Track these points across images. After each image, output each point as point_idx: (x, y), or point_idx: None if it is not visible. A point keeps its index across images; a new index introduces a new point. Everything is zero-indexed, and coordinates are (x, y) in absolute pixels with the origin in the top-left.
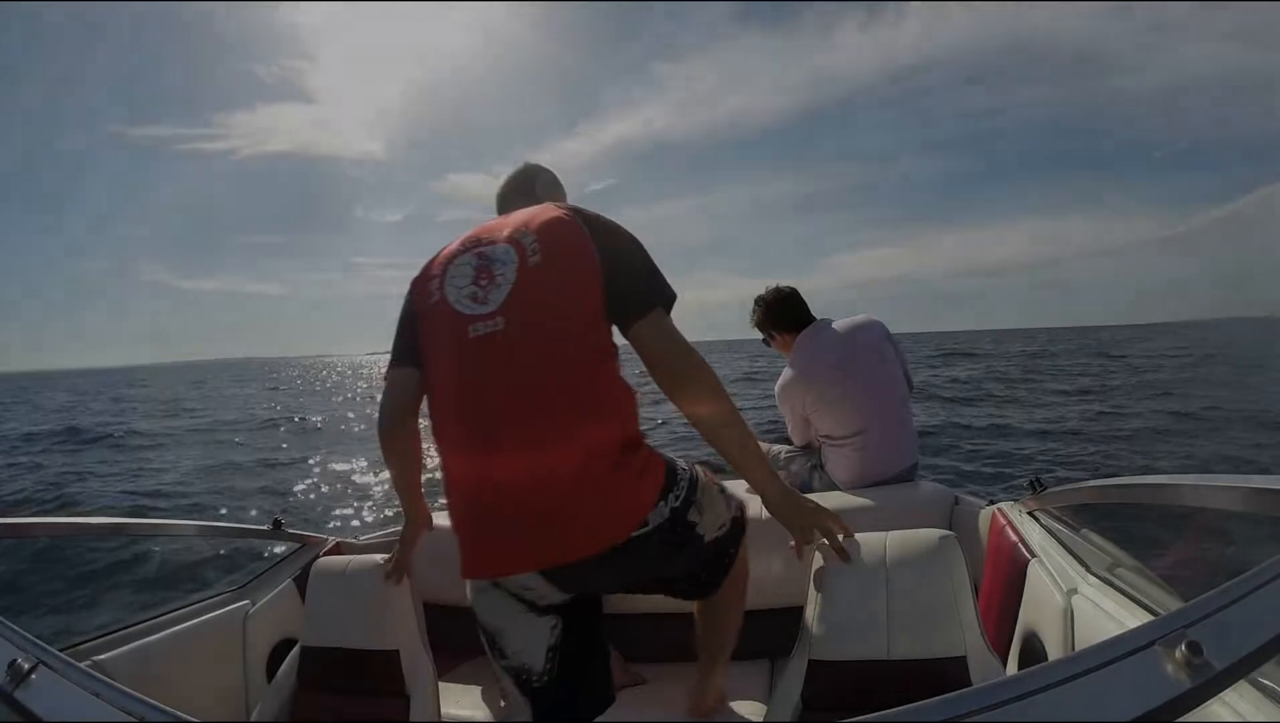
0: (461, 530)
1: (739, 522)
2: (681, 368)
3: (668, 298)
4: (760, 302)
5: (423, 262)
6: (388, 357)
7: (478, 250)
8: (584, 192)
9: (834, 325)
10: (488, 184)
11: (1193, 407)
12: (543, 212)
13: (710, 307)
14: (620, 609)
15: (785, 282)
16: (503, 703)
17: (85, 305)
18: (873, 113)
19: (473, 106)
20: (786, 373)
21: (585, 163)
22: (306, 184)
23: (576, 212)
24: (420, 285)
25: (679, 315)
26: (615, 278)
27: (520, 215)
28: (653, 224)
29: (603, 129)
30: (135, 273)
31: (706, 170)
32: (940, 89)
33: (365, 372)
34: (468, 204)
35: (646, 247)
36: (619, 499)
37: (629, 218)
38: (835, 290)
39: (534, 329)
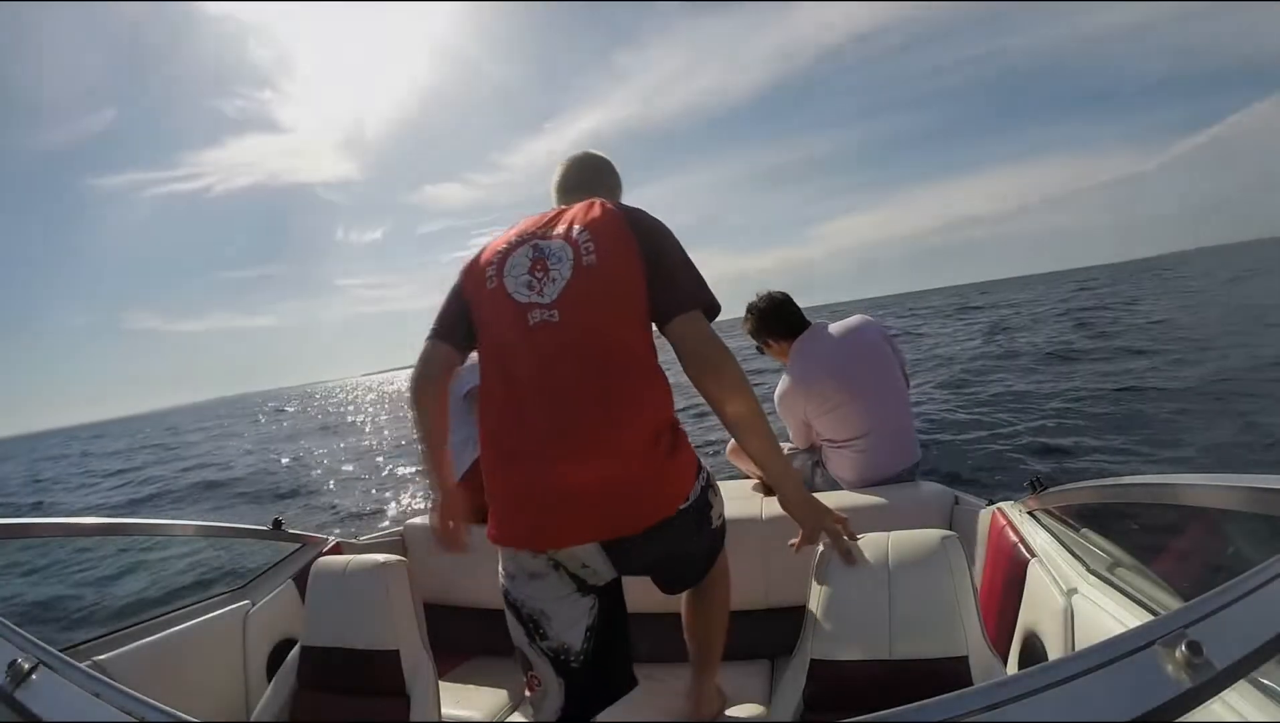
0: (516, 507)
1: (724, 523)
2: (719, 366)
3: (708, 304)
4: (753, 310)
5: (406, 276)
6: (384, 375)
7: (534, 243)
8: None
9: (829, 329)
10: (462, 192)
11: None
12: (593, 210)
13: None
14: None
15: (779, 252)
16: (528, 693)
17: (77, 361)
18: (842, 78)
19: (440, 118)
20: (784, 382)
21: (558, 159)
22: (284, 213)
23: (625, 212)
24: (474, 270)
25: None
26: (657, 278)
27: (573, 212)
28: None
29: (571, 124)
30: (123, 323)
31: (681, 153)
32: (906, 47)
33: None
34: (445, 214)
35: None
36: (670, 478)
37: None
38: (828, 259)
39: (587, 323)
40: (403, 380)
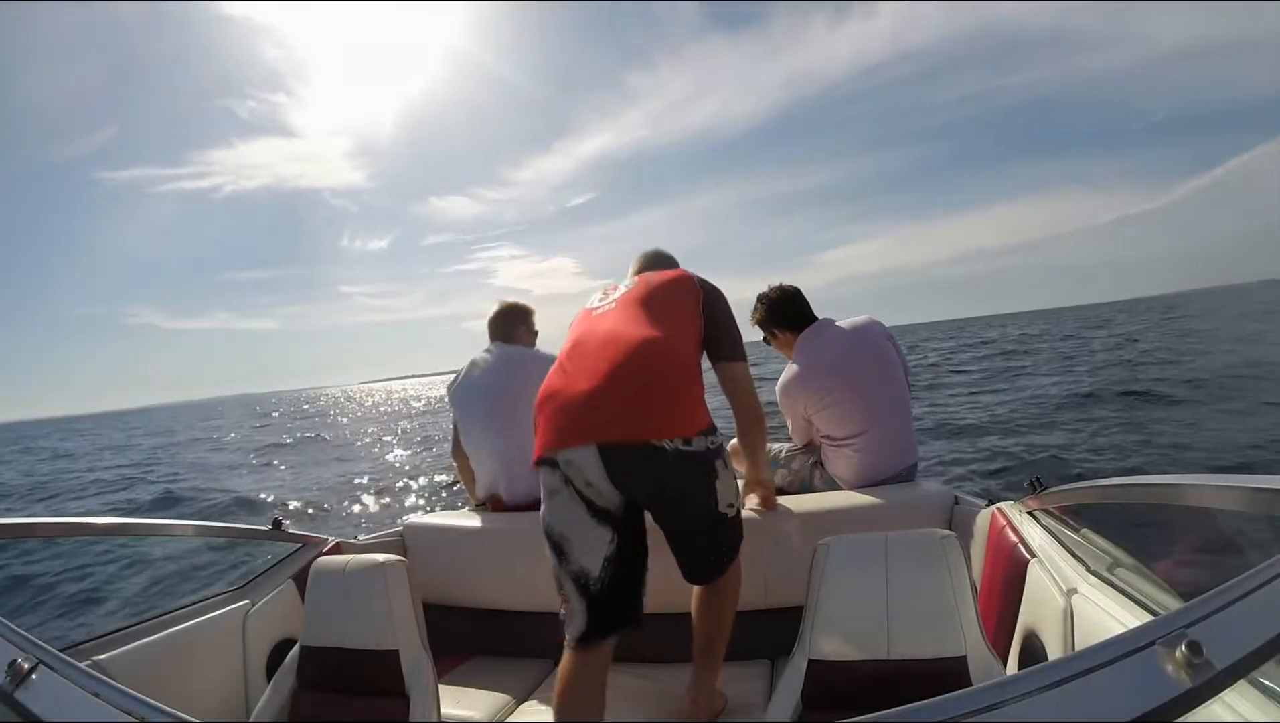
0: (548, 425)
1: (740, 520)
2: (748, 405)
3: (744, 356)
4: (763, 299)
5: (410, 286)
6: (379, 384)
7: (611, 286)
8: (565, 206)
9: (835, 325)
10: (468, 206)
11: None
12: (672, 269)
13: None
14: None
15: (781, 279)
16: (561, 611)
17: (76, 352)
18: (849, 108)
19: (451, 132)
20: (788, 372)
21: (565, 179)
22: (291, 217)
23: (694, 276)
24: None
25: None
26: (713, 325)
27: (650, 273)
28: (635, 233)
29: (580, 144)
30: (124, 317)
31: (687, 177)
32: (914, 81)
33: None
34: (450, 227)
35: (629, 256)
36: (679, 412)
37: (610, 230)
38: (828, 287)
39: (633, 306)
40: (401, 390)
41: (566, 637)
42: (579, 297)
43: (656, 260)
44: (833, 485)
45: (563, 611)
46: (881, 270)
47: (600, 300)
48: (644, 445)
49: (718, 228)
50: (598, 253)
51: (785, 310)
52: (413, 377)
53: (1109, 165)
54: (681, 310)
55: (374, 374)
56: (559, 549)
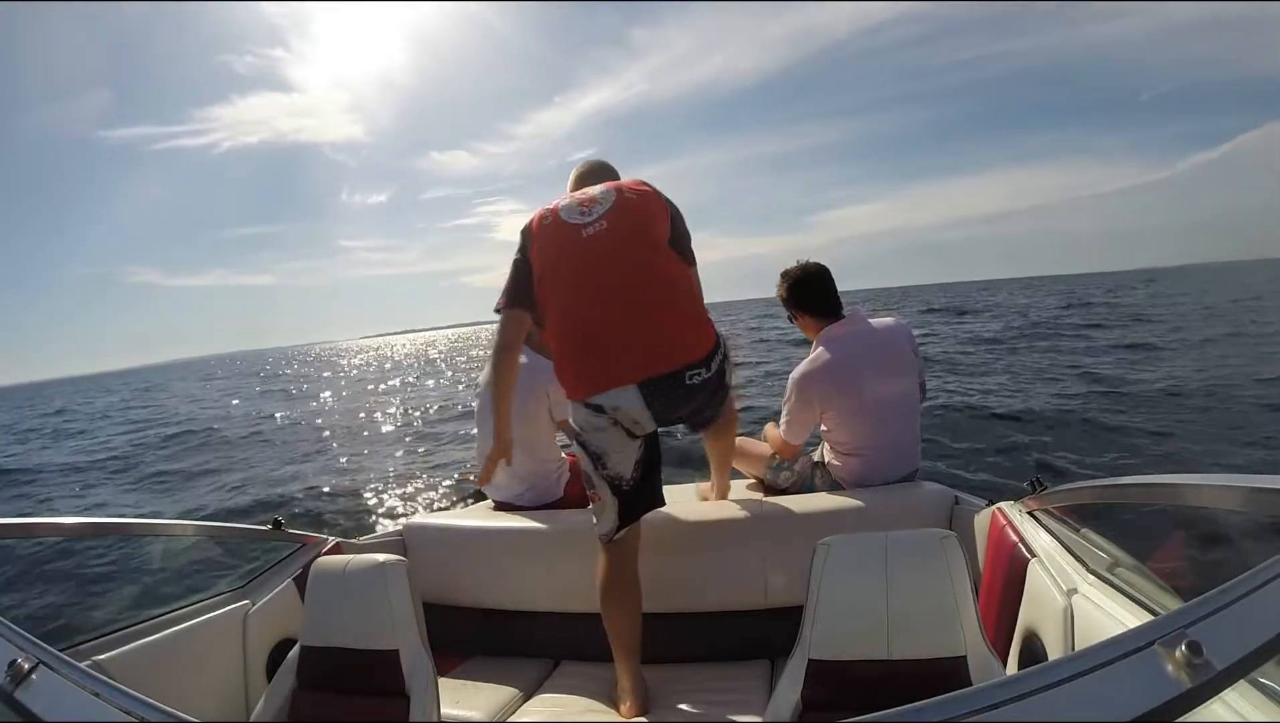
0: (584, 366)
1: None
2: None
3: (694, 261)
4: (786, 276)
5: (409, 241)
6: (382, 338)
7: (579, 197)
8: (566, 160)
9: (861, 329)
10: (468, 160)
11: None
12: (634, 181)
13: (701, 268)
14: None
15: (779, 239)
16: (591, 507)
17: (75, 314)
18: (852, 67)
19: (450, 84)
20: (806, 365)
21: (566, 133)
22: (290, 172)
23: (656, 189)
24: (536, 223)
25: None
26: (678, 237)
27: (611, 182)
28: None
29: (582, 98)
30: (123, 276)
31: (689, 134)
32: (919, 41)
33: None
34: (450, 181)
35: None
36: (695, 335)
37: None
38: (829, 246)
39: (627, 230)
40: (399, 344)
41: (599, 536)
42: None
43: (602, 171)
44: (834, 486)
45: (591, 505)
46: (880, 232)
47: (583, 216)
48: (677, 379)
49: (717, 186)
50: None
51: (808, 292)
52: (413, 331)
53: (1114, 135)
54: (661, 226)
55: (374, 329)
56: (597, 459)
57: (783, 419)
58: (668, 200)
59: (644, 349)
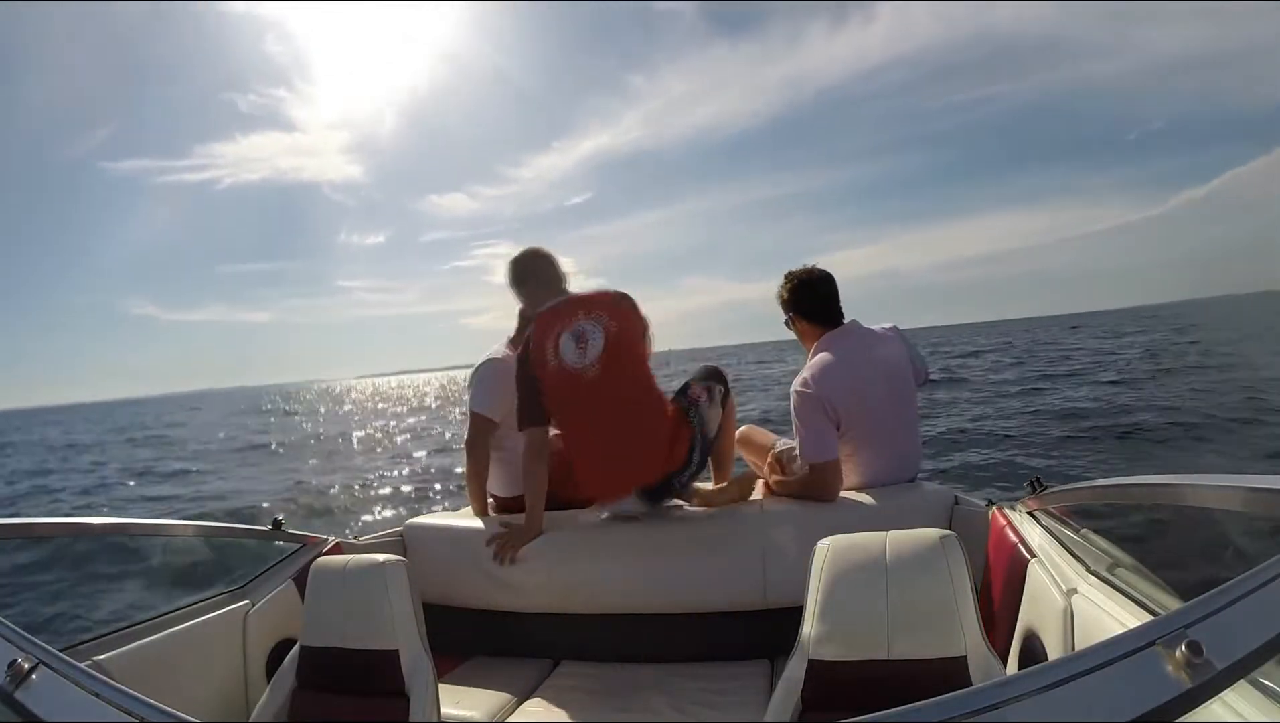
0: (594, 480)
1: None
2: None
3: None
4: (791, 277)
5: (407, 282)
6: (376, 380)
7: (576, 325)
8: (562, 205)
9: (860, 333)
10: (466, 203)
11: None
12: (612, 295)
13: (694, 314)
14: (623, 610)
15: (774, 284)
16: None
17: (72, 342)
18: (845, 114)
19: (448, 127)
20: (806, 374)
21: (562, 177)
22: (290, 210)
23: (625, 295)
24: (538, 358)
25: (665, 323)
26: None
27: (597, 296)
28: (630, 233)
29: (578, 143)
30: (121, 307)
31: (684, 179)
32: (910, 87)
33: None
34: (448, 223)
35: (626, 257)
36: (669, 455)
37: (608, 231)
38: None
39: (618, 372)
40: (392, 384)
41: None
42: None
43: (537, 271)
44: None
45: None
46: (874, 275)
47: (581, 358)
48: (666, 484)
49: (714, 230)
50: (595, 252)
51: (808, 296)
52: (410, 372)
53: (1103, 175)
54: (641, 346)
55: (370, 369)
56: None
57: (798, 442)
58: (632, 299)
59: (640, 466)
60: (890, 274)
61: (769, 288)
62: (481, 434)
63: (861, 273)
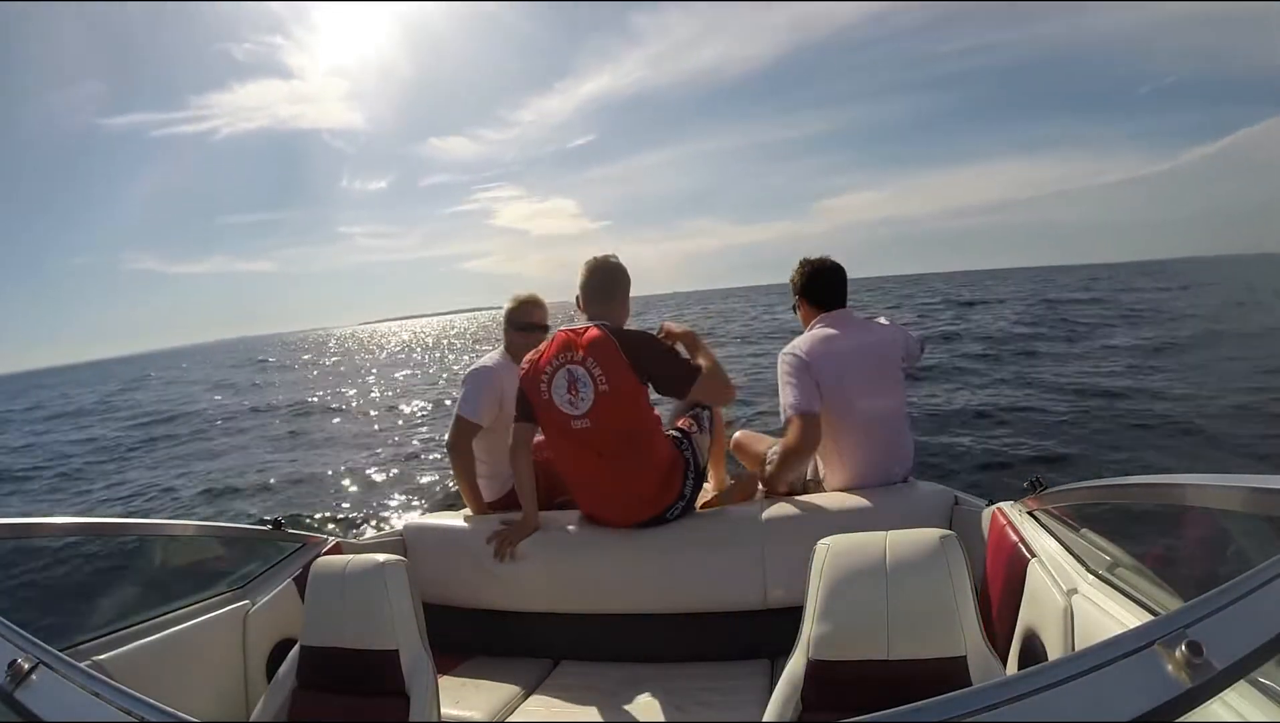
0: (586, 510)
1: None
2: (718, 388)
3: (695, 374)
4: (805, 264)
5: (408, 227)
6: (379, 325)
7: (566, 367)
8: (564, 147)
9: (854, 321)
10: (467, 146)
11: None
12: (602, 342)
13: (699, 256)
14: (623, 610)
15: (780, 225)
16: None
17: (75, 301)
18: (852, 56)
19: (449, 71)
20: (791, 348)
21: (564, 120)
22: (289, 159)
23: (617, 335)
24: (531, 384)
25: (668, 265)
26: (655, 377)
27: (587, 342)
28: (634, 175)
29: (580, 85)
30: (123, 263)
31: (687, 121)
32: (920, 30)
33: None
34: (449, 167)
35: (630, 198)
36: (668, 486)
37: (609, 172)
38: (831, 234)
39: (605, 428)
40: (395, 331)
41: None
42: (578, 238)
43: (603, 288)
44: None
45: None
46: (881, 220)
47: (572, 408)
48: (659, 518)
49: (717, 171)
50: (597, 194)
51: (815, 284)
52: (413, 317)
53: (1114, 127)
54: (627, 385)
55: (373, 316)
56: None
57: (782, 398)
58: (625, 341)
59: (632, 510)
60: (898, 220)
61: (773, 231)
62: (463, 437)
63: (867, 218)
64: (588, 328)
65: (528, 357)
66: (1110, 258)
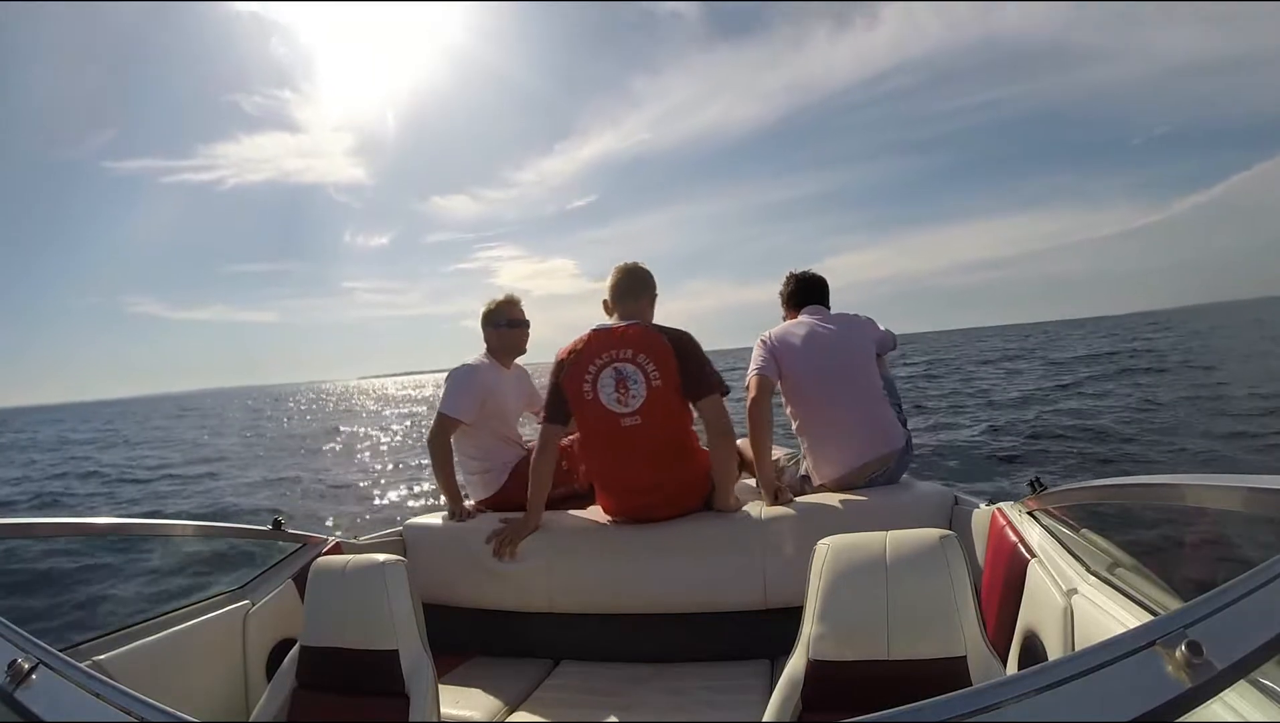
0: (610, 505)
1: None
2: (721, 433)
3: (722, 387)
4: (792, 276)
5: (411, 283)
6: (380, 380)
7: (614, 366)
8: (565, 208)
9: (825, 315)
10: (469, 205)
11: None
12: (648, 336)
13: (698, 316)
14: (623, 610)
15: (778, 287)
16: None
17: (76, 341)
18: (850, 117)
19: (453, 130)
20: (765, 333)
21: (566, 181)
22: (295, 211)
23: (664, 332)
24: (572, 382)
25: (669, 325)
26: (685, 372)
27: (634, 337)
28: (634, 236)
29: (582, 146)
30: (126, 306)
31: (688, 181)
32: (915, 90)
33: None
34: (451, 225)
35: (626, 260)
36: (699, 488)
37: (610, 233)
38: (831, 293)
39: (657, 424)
40: (391, 386)
41: None
42: (578, 298)
43: (634, 288)
44: (824, 490)
45: None
46: (879, 279)
47: (620, 406)
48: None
49: (718, 232)
50: (597, 255)
51: (799, 291)
52: (412, 373)
53: (1107, 180)
54: (675, 382)
55: (373, 370)
56: None
57: (750, 366)
58: (673, 337)
59: (663, 509)
60: (896, 278)
61: (773, 291)
62: (443, 432)
63: (866, 277)
64: (629, 325)
65: (560, 356)
66: (1111, 311)
